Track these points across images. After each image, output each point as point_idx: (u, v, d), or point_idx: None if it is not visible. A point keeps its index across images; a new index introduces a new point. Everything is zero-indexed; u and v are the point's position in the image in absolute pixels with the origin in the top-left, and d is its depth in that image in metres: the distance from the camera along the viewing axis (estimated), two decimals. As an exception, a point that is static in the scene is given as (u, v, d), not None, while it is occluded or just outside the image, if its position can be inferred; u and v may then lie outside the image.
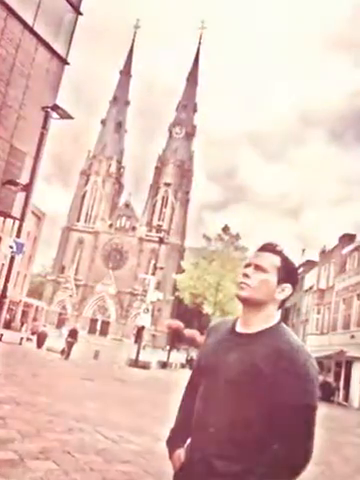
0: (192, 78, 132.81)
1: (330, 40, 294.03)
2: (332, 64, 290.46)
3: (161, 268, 72.80)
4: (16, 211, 18.51)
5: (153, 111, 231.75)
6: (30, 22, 19.35)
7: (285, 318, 54.96)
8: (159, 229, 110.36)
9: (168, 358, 38.54)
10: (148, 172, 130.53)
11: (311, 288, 50.30)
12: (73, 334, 27.09)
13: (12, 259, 16.29)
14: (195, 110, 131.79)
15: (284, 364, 1.88)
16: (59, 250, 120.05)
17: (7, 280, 16.11)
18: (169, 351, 41.60)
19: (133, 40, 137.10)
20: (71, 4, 21.65)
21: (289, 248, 2.17)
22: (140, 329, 36.37)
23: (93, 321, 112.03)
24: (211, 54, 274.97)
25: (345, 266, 41.39)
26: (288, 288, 2.08)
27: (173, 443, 2.25)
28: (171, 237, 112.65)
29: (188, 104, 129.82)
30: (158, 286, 78.40)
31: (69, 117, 17.51)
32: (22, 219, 16.97)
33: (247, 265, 2.11)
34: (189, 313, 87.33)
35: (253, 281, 2.05)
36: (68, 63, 21.90)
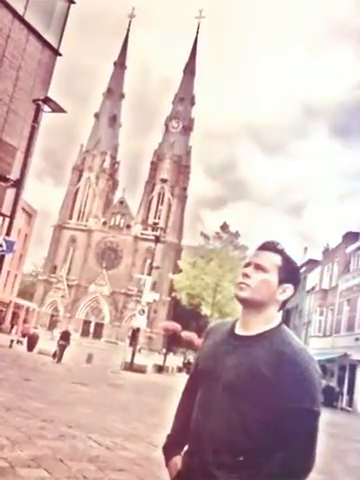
0: (189, 69, 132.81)
1: (333, 29, 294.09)
2: (335, 54, 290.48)
3: (157, 268, 72.63)
4: (6, 208, 18.52)
5: (149, 104, 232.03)
6: (20, 11, 19.34)
7: (286, 320, 55.01)
8: (155, 227, 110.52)
9: (164, 362, 38.57)
10: (144, 168, 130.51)
11: (313, 288, 50.36)
12: (65, 336, 27.08)
13: (2, 258, 16.28)
14: (193, 103, 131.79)
15: (285, 368, 1.88)
16: (51, 249, 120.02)
17: (-4, 280, 16.10)
18: (165, 354, 41.67)
19: (128, 30, 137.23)
20: (63, -8, 21.63)
21: (291, 247, 2.18)
22: (135, 331, 36.38)
23: (86, 323, 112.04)
24: (209, 44, 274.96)
25: (349, 265, 41.46)
26: (289, 288, 2.08)
27: (170, 450, 2.25)
28: (168, 235, 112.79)
29: (185, 96, 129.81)
30: (154, 286, 78.41)
31: (61, 110, 17.50)
32: (12, 216, 16.97)
33: (247, 264, 2.11)
34: (186, 314, 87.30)
35: (253, 281, 2.04)
36: (60, 54, 21.89)
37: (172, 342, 49.64)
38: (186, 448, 2.14)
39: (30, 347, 31.77)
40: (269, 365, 1.90)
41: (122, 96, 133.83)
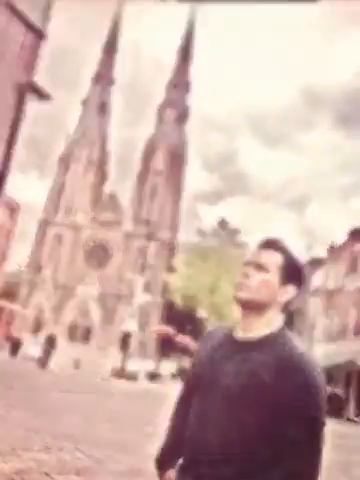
0: (185, 53, 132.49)
1: (336, 14, 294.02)
2: (338, 41, 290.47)
3: (150, 267, 72.72)
4: (-13, 203, 18.47)
5: (141, 91, 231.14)
6: (3, -10, 19.24)
7: (289, 323, 54.53)
8: (148, 223, 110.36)
9: (157, 368, 38.61)
10: (135, 159, 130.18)
11: (318, 289, 50.44)
12: (51, 341, 27.09)
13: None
14: (188, 89, 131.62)
15: (288, 374, 1.88)
16: (35, 246, 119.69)
17: (-23, 280, 16.09)
18: (159, 360, 41.69)
19: (119, 10, 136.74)
20: (49, -31, 21.54)
21: (294, 244, 2.18)
22: (126, 335, 36.48)
23: (73, 326, 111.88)
24: (206, 27, 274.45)
25: (356, 265, 41.50)
26: (292, 289, 2.08)
27: (163, 463, 2.26)
28: (161, 232, 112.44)
29: (180, 83, 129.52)
30: (146, 287, 78.43)
31: (47, 97, 17.47)
32: (-6, 212, 16.94)
33: (246, 264, 2.12)
34: (181, 317, 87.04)
35: (253, 281, 2.05)
36: (45, 36, 21.81)
37: (166, 347, 49.74)
38: (181, 460, 2.14)
39: (13, 352, 31.78)
40: (270, 371, 1.90)
41: (112, 82, 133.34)
